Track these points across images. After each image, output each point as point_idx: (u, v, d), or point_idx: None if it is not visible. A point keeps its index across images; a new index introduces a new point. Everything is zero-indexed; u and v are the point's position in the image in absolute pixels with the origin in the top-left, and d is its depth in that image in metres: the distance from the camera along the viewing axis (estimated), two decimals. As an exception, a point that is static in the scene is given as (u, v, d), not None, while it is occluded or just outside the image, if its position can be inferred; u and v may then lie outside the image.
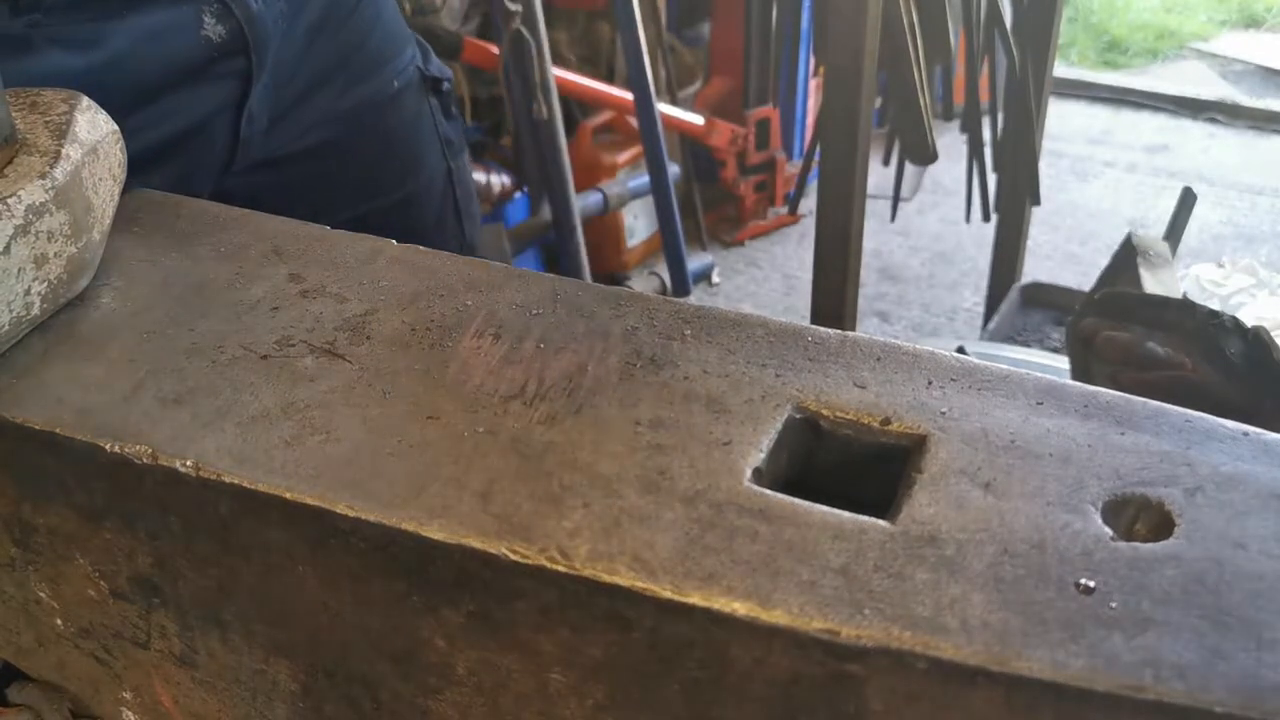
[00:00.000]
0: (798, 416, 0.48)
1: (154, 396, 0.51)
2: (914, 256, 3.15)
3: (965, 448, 0.46)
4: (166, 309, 0.57)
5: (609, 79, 2.97)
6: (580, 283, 0.57)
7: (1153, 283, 1.34)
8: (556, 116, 2.39)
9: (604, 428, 0.48)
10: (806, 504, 0.43)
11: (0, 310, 0.51)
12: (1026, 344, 2.10)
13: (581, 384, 0.50)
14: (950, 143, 2.55)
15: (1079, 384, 0.49)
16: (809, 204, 2.81)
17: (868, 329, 2.79)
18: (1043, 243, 3.11)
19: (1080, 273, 2.88)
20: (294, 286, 0.58)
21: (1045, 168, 2.38)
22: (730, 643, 0.40)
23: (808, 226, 2.87)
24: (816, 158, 1.69)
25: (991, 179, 2.19)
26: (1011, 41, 1.99)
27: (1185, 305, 0.89)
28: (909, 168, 2.25)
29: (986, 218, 2.24)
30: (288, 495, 0.45)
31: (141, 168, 0.79)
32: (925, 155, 1.89)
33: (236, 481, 0.46)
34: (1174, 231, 1.70)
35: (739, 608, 0.39)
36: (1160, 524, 0.42)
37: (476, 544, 0.43)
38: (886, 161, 2.17)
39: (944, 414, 0.47)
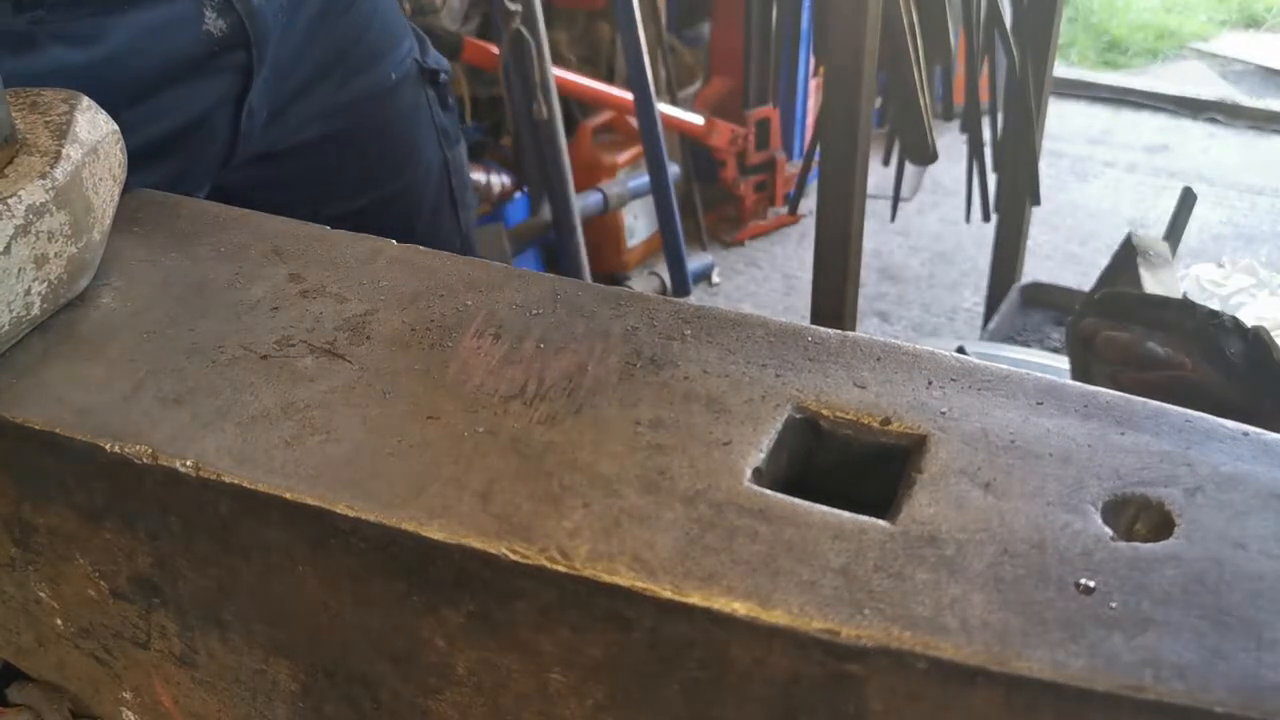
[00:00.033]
0: (798, 416, 0.48)
1: (154, 396, 0.51)
2: (914, 256, 3.15)
3: (965, 448, 0.46)
4: (166, 309, 0.57)
5: (609, 79, 2.97)
6: (580, 283, 0.57)
7: (1153, 283, 1.34)
8: (556, 116, 2.39)
9: (604, 428, 0.48)
10: (806, 504, 0.43)
11: (0, 310, 0.51)
12: (1026, 344, 2.10)
13: (581, 384, 0.50)
14: (950, 143, 2.55)
15: (1079, 384, 0.49)
16: (809, 204, 2.81)
17: (868, 329, 2.79)
18: (1043, 243, 3.10)
19: (1080, 273, 2.88)
20: (294, 286, 0.58)
21: (1045, 168, 2.38)
22: (730, 643, 0.40)
23: (808, 226, 2.87)
24: (816, 158, 1.69)
25: (991, 179, 2.19)
26: (1011, 41, 1.99)
27: (1185, 305, 0.89)
28: (909, 168, 2.25)
29: (986, 218, 2.24)
30: (288, 495, 0.45)
31: (143, 162, 0.80)
32: (925, 155, 1.89)
33: (236, 481, 0.46)
34: (1174, 231, 1.70)
35: (739, 608, 0.39)
36: (1160, 524, 0.42)
37: (476, 544, 0.43)
38: (886, 161, 2.17)
39: (944, 414, 0.47)
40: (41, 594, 0.56)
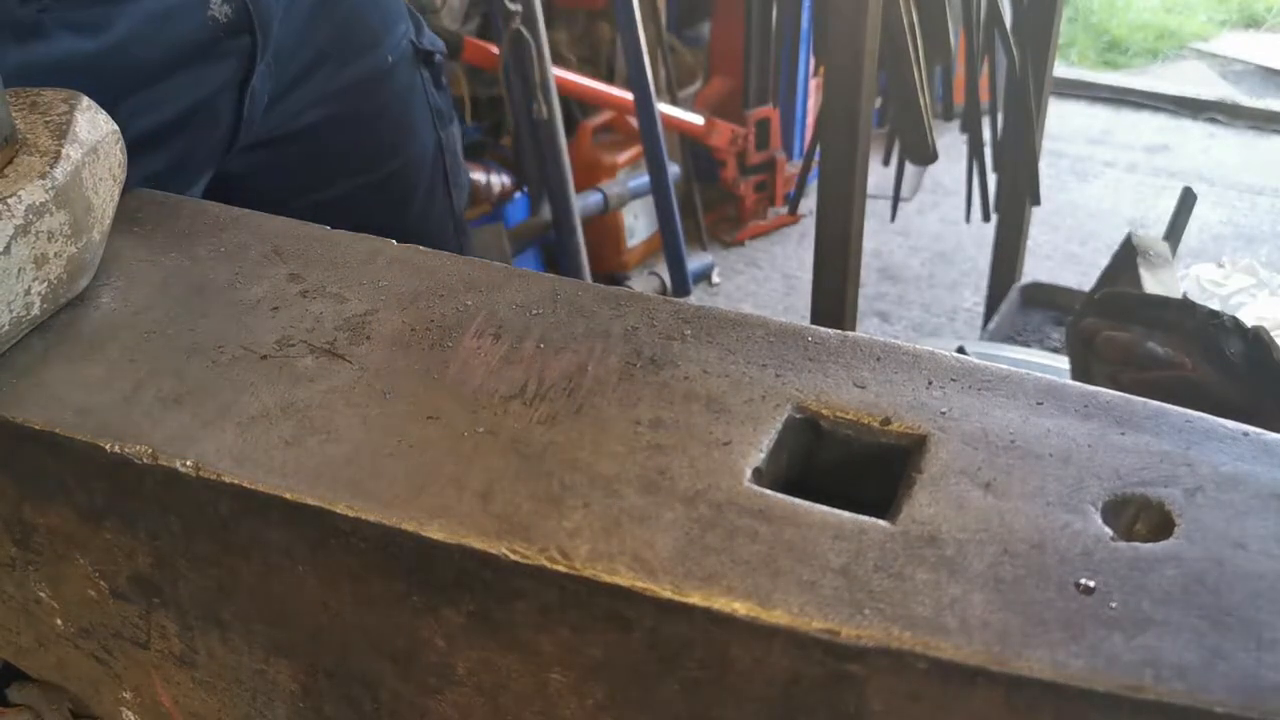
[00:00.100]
0: (798, 416, 0.48)
1: (154, 396, 0.51)
2: (914, 256, 3.15)
3: (965, 448, 0.46)
4: (166, 309, 0.57)
5: (609, 79, 2.97)
6: (580, 283, 0.57)
7: (1153, 283, 1.33)
8: (556, 116, 2.39)
9: (604, 428, 0.48)
10: (806, 504, 0.43)
11: (0, 310, 0.51)
12: (1026, 344, 2.10)
13: (581, 384, 0.50)
14: (950, 143, 2.55)
15: (1079, 384, 0.49)
16: (809, 204, 2.81)
17: (868, 329, 2.79)
18: (1043, 243, 3.10)
19: (1080, 273, 2.88)
20: (294, 286, 0.58)
21: (1045, 168, 2.38)
22: (730, 643, 0.40)
23: (808, 226, 2.87)
24: (816, 158, 1.69)
25: (991, 179, 2.19)
26: (1011, 41, 1.99)
27: (1185, 305, 0.89)
28: (909, 168, 2.25)
29: (986, 218, 2.24)
30: (288, 495, 0.45)
31: (149, 147, 0.80)
32: (925, 155, 1.89)
33: (236, 481, 0.46)
34: (1174, 231, 1.70)
35: (739, 608, 0.39)
36: (1160, 524, 0.42)
37: (476, 544, 0.43)
38: (886, 161, 2.17)
39: (944, 414, 0.47)
40: (41, 594, 0.56)
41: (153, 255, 0.61)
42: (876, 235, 3.08)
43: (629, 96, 2.61)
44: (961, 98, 2.11)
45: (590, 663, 0.43)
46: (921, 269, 3.09)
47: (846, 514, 0.43)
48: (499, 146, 2.81)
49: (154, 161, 0.82)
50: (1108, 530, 0.41)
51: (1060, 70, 2.99)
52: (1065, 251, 3.13)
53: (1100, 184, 3.52)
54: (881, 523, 0.42)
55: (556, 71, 2.43)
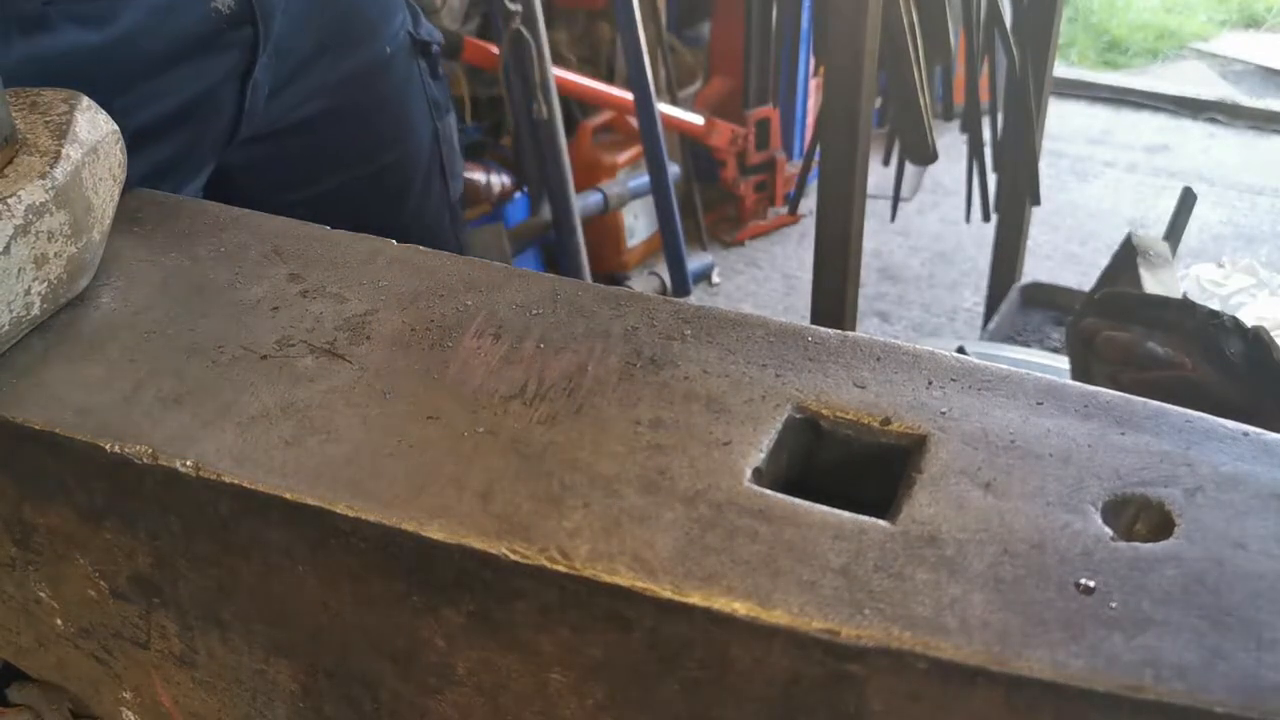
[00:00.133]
0: (798, 416, 0.48)
1: (154, 396, 0.51)
2: (914, 256, 3.15)
3: (965, 448, 0.46)
4: (166, 309, 0.57)
5: (609, 79, 2.97)
6: (580, 283, 0.57)
7: (1153, 283, 1.33)
8: (556, 116, 2.39)
9: (604, 428, 0.48)
10: (806, 504, 0.43)
11: (0, 310, 0.51)
12: (1026, 344, 2.10)
13: (581, 384, 0.50)
14: (950, 143, 2.55)
15: (1079, 384, 0.49)
16: (809, 204, 2.81)
17: (868, 329, 2.79)
18: (1043, 243, 3.10)
19: (1080, 273, 2.88)
20: (294, 286, 0.58)
21: (1045, 168, 2.38)
22: (730, 643, 0.40)
23: (808, 226, 2.87)
24: (816, 158, 1.69)
25: (991, 179, 2.19)
26: (1011, 41, 1.99)
27: (1185, 305, 0.89)
28: (909, 168, 2.25)
29: (986, 218, 2.24)
30: (288, 495, 0.45)
31: (153, 138, 0.81)
32: (925, 155, 1.88)
33: (236, 481, 0.46)
34: (1174, 231, 1.70)
35: (739, 608, 0.39)
36: (1160, 524, 0.42)
37: (476, 544, 0.43)
38: (886, 161, 2.17)
39: (944, 414, 0.47)
40: (41, 594, 0.56)
41: (153, 255, 0.61)
42: (876, 235, 3.08)
43: (629, 96, 2.61)
44: (961, 98, 2.11)
45: (590, 663, 0.43)
46: (921, 269, 3.09)
47: (846, 514, 0.43)
48: (499, 146, 2.81)
49: (158, 152, 0.82)
50: (1108, 530, 0.41)
51: (1060, 70, 3.00)
52: (1065, 251, 3.13)
53: (1100, 184, 3.52)
54: (881, 523, 0.42)
55: (556, 71, 2.43)
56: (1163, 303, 0.92)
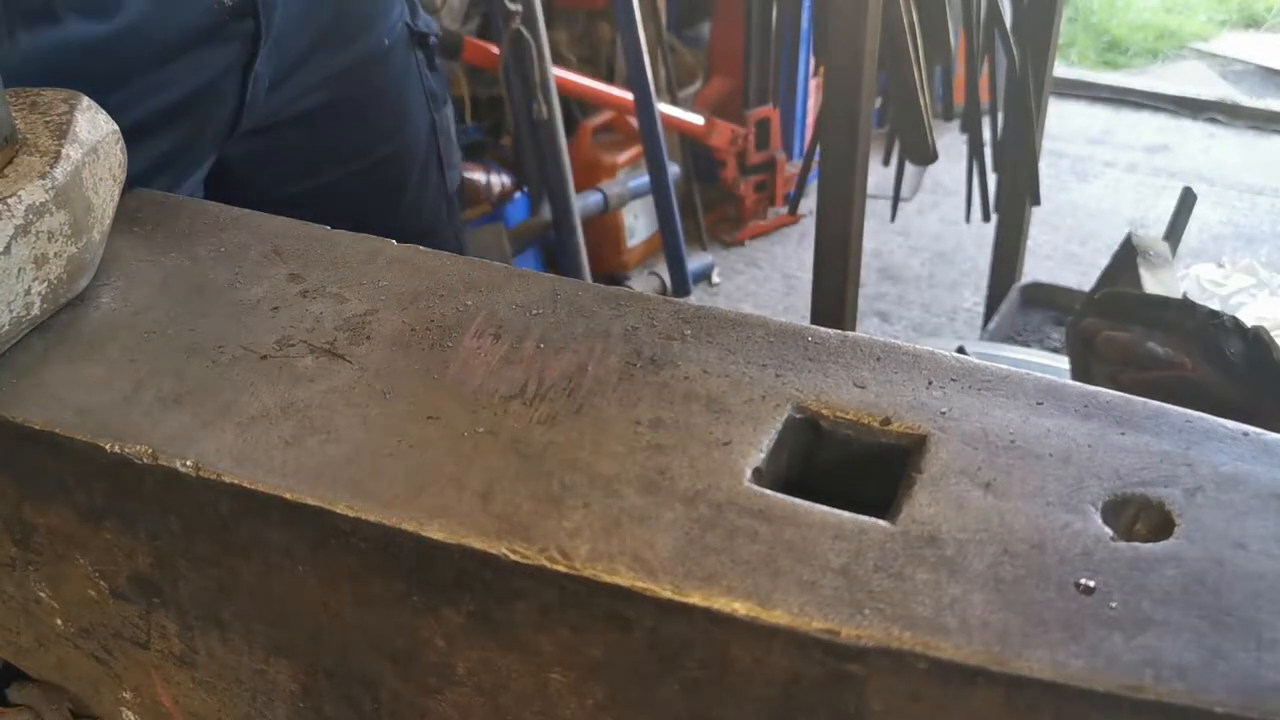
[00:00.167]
0: (798, 416, 0.48)
1: (154, 396, 0.51)
2: (914, 256, 3.15)
3: (965, 448, 0.46)
4: (166, 309, 0.57)
5: (609, 79, 2.97)
6: (580, 283, 0.57)
7: (1153, 283, 1.33)
8: (556, 116, 2.39)
9: (604, 428, 0.48)
10: (806, 504, 0.43)
11: (0, 310, 0.51)
12: (1026, 344, 2.10)
13: (581, 384, 0.50)
14: (950, 143, 2.55)
15: (1079, 384, 0.49)
16: (809, 204, 2.81)
17: (868, 329, 2.79)
18: (1043, 243, 3.10)
19: (1080, 273, 2.88)
20: (294, 286, 0.58)
21: (1045, 168, 2.38)
22: (730, 643, 0.40)
23: (808, 226, 2.87)
24: (816, 158, 1.69)
25: (991, 179, 2.19)
26: (1011, 41, 1.99)
27: (1185, 305, 0.89)
28: (909, 168, 2.25)
29: (986, 218, 2.24)
30: (288, 495, 0.45)
31: (155, 130, 0.81)
32: (925, 155, 1.89)
33: (236, 481, 0.46)
34: (1174, 231, 1.70)
35: (739, 608, 0.39)
36: (1160, 524, 0.42)
37: (476, 544, 0.43)
38: (886, 161, 2.17)
39: (944, 414, 0.47)
40: (41, 594, 0.56)
41: (153, 255, 0.61)
42: (876, 235, 3.08)
43: (629, 96, 2.61)
44: (961, 98, 2.11)
45: (590, 663, 0.43)
46: (921, 269, 3.09)
47: (846, 514, 0.43)
48: (499, 146, 2.81)
49: (161, 143, 0.83)
50: (1108, 530, 0.41)
51: (1060, 70, 3.00)
52: (1065, 251, 3.13)
53: (1100, 184, 3.52)
54: (881, 523, 0.42)
55: (556, 71, 2.43)
56: (1163, 303, 0.92)
